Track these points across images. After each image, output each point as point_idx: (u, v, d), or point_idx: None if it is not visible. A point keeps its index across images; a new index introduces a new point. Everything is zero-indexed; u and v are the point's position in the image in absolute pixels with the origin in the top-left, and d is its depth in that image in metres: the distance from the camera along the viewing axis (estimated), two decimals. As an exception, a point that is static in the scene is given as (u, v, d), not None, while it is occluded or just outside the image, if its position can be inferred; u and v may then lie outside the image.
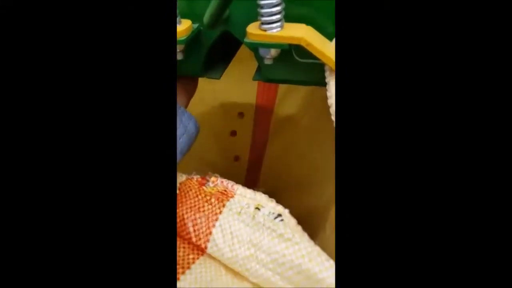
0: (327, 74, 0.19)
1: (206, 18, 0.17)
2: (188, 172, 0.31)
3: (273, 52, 0.19)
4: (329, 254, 0.22)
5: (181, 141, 0.25)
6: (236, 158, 0.61)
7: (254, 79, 0.25)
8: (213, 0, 0.16)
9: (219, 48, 0.25)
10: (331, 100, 0.18)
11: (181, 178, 0.30)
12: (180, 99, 0.27)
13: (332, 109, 0.18)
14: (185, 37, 0.20)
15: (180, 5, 0.20)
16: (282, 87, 0.46)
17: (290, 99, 0.47)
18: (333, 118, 0.17)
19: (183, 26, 0.20)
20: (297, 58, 0.20)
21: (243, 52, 0.29)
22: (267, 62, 0.20)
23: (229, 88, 0.46)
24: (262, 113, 0.51)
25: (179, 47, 0.21)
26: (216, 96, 0.51)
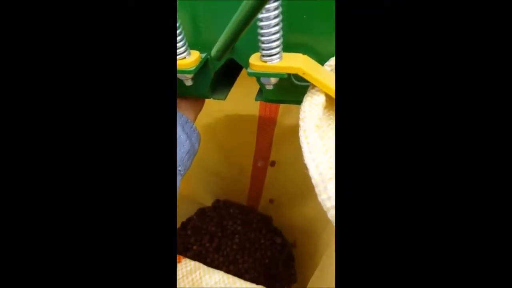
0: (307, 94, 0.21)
1: (214, 52, 0.19)
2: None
3: (273, 80, 0.21)
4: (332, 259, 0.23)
5: (188, 157, 0.27)
6: (240, 168, 0.63)
7: (256, 99, 0.27)
8: (221, 37, 0.18)
9: (224, 72, 0.27)
10: (302, 115, 0.20)
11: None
12: (188, 116, 0.29)
13: (302, 123, 0.19)
14: (194, 68, 0.22)
15: (188, 36, 0.22)
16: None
17: (293, 110, 0.49)
18: (301, 123, 0.19)
19: (192, 58, 0.22)
20: (295, 82, 0.22)
21: (245, 70, 0.31)
22: (268, 87, 0.22)
23: (234, 100, 0.48)
24: (265, 124, 0.53)
25: (189, 76, 0.23)
26: (221, 109, 0.53)
